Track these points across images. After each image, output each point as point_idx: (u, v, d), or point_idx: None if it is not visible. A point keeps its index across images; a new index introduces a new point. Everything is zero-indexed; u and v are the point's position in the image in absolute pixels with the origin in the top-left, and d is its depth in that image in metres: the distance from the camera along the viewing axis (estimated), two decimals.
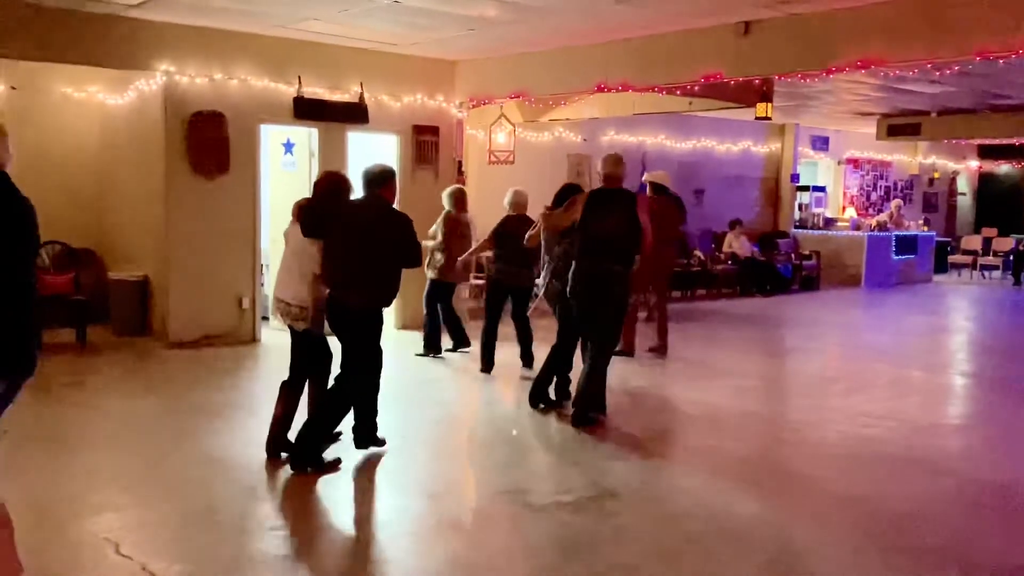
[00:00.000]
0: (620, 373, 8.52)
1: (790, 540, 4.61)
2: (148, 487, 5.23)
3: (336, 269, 5.50)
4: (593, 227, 6.63)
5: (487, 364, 8.43)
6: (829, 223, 18.28)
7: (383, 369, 5.81)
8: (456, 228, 8.89)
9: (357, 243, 5.46)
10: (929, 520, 4.92)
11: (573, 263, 6.74)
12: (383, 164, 5.84)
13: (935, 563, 4.32)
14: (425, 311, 9.15)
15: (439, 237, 8.87)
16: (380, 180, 5.65)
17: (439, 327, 9.17)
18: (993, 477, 5.78)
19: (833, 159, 19.58)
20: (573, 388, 6.97)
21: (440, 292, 9.06)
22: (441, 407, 7.35)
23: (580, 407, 6.69)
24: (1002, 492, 5.46)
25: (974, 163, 22.83)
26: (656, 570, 4.20)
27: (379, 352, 5.73)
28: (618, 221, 6.62)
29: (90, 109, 10.35)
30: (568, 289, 6.78)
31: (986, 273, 19.67)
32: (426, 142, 10.86)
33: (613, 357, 7.05)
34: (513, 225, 8.22)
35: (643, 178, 10.20)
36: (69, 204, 10.19)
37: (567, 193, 7.11)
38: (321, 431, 5.55)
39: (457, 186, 9.43)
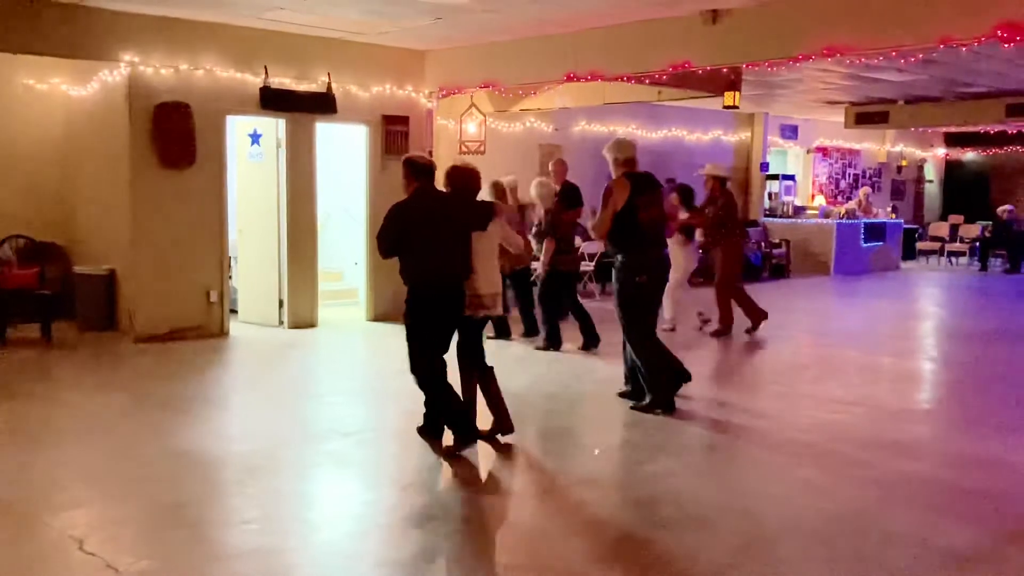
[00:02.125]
0: (588, 363, 8.54)
1: (760, 525, 4.62)
2: (114, 483, 5.16)
3: (451, 258, 5.74)
4: (643, 214, 6.66)
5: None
6: (798, 211, 18.42)
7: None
8: None
9: (456, 232, 5.77)
10: (899, 505, 4.96)
11: (626, 252, 6.73)
12: (424, 155, 6.33)
13: (904, 547, 4.35)
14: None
15: None
16: (433, 170, 5.93)
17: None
18: (962, 461, 5.84)
19: (802, 148, 19.72)
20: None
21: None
22: (415, 398, 7.30)
23: (638, 389, 6.94)
24: (971, 476, 5.52)
25: (941, 151, 23.08)
26: (627, 557, 4.20)
27: None
28: (660, 206, 6.94)
29: (53, 101, 10.17)
30: (628, 277, 6.73)
31: (953, 259, 19.91)
32: (396, 132, 10.79)
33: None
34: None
35: (703, 171, 10.40)
36: (33, 197, 10.04)
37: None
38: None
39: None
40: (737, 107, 11.38)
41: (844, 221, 17.57)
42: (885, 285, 15.93)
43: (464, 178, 6.02)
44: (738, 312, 10.33)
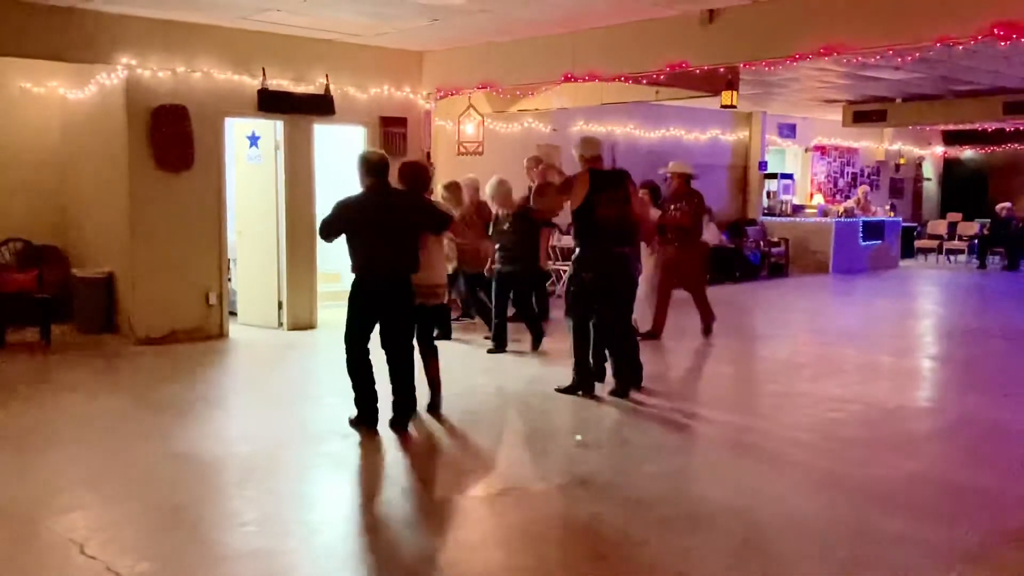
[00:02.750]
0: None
1: (759, 524, 4.64)
2: (114, 486, 5.17)
3: (395, 254, 6.16)
4: (601, 211, 6.77)
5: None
6: (797, 210, 18.42)
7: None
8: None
9: (402, 229, 6.16)
10: (898, 504, 4.97)
11: (582, 246, 6.95)
12: (377, 151, 6.68)
13: (902, 546, 4.37)
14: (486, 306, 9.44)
15: None
16: (385, 166, 6.22)
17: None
18: (961, 459, 5.85)
19: (800, 146, 19.72)
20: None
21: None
22: None
23: (623, 384, 7.13)
24: (970, 474, 5.53)
25: (939, 149, 23.08)
26: (626, 557, 4.21)
27: None
28: (621, 204, 6.87)
29: (50, 104, 10.18)
30: (577, 271, 6.99)
31: (952, 257, 19.92)
32: (394, 134, 10.80)
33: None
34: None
35: (667, 169, 10.26)
36: (31, 201, 10.04)
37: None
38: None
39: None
40: (735, 106, 11.39)
41: (842, 220, 17.58)
42: (883, 283, 15.94)
43: (413, 173, 6.50)
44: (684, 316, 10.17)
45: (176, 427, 6.33)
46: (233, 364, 8.96)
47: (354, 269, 6.19)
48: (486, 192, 9.15)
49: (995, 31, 6.83)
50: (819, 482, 5.33)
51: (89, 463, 5.61)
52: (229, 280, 10.11)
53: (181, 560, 4.13)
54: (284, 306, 10.13)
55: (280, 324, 10.16)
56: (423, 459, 5.73)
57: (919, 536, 4.48)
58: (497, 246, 8.92)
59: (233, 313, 10.32)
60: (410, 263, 6.19)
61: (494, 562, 4.25)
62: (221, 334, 9.68)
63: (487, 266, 9.11)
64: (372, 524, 4.72)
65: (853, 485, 5.25)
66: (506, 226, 8.96)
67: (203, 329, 9.53)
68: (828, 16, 7.73)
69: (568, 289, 7.17)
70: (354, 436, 6.16)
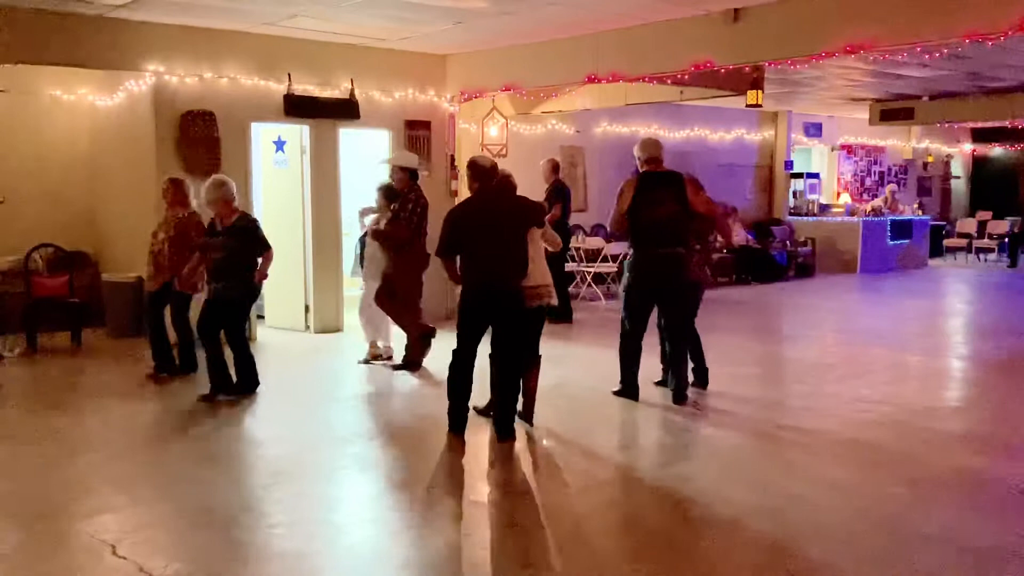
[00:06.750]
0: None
1: (788, 527, 4.60)
2: (145, 488, 5.23)
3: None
4: (645, 214, 6.73)
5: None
6: (824, 209, 18.29)
7: None
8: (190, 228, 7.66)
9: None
10: (929, 504, 4.93)
11: (632, 248, 6.95)
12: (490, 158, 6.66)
13: (935, 548, 4.32)
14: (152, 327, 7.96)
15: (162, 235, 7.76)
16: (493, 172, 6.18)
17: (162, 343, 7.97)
18: (992, 459, 5.78)
19: (826, 145, 19.58)
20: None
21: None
22: (427, 401, 7.33)
23: (679, 387, 7.02)
24: (1002, 474, 5.46)
25: (968, 146, 22.81)
26: (653, 557, 4.20)
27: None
28: (668, 205, 6.78)
29: (80, 111, 10.32)
30: (627, 274, 7.01)
31: (982, 256, 19.68)
32: (418, 137, 10.85)
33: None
34: None
35: (386, 161, 8.66)
36: (61, 207, 10.17)
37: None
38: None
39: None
40: (760, 105, 11.32)
41: (870, 219, 17.43)
42: (912, 283, 15.78)
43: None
44: None
45: (206, 429, 6.39)
46: (260, 367, 8.97)
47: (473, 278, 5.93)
48: (202, 196, 7.31)
49: None
50: (851, 483, 5.28)
51: (120, 465, 5.67)
52: None
53: (211, 561, 4.16)
54: (311, 309, 10.19)
55: (307, 327, 10.22)
56: (449, 461, 5.73)
57: (953, 536, 4.43)
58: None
59: (260, 316, 10.39)
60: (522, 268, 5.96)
61: (519, 561, 4.25)
62: (249, 337, 9.72)
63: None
64: (398, 525, 4.73)
65: (885, 486, 5.20)
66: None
67: None
68: (854, 13, 7.67)
69: (623, 291, 7.17)
70: (379, 437, 6.19)
